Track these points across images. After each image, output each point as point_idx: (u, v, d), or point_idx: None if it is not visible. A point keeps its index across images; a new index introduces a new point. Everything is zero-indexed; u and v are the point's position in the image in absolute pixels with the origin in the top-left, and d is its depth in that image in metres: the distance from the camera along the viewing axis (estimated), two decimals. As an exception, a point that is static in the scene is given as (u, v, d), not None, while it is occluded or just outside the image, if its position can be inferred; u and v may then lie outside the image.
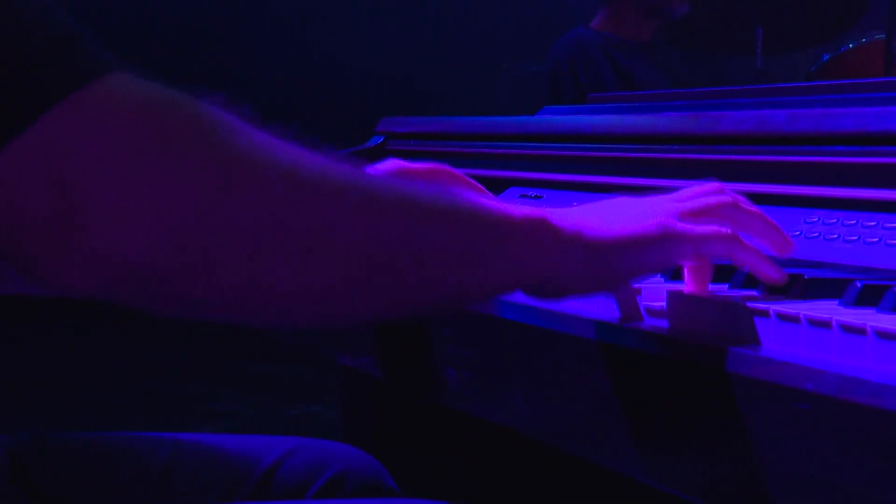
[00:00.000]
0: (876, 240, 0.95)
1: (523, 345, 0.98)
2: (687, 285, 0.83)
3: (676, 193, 0.82)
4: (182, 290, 0.60)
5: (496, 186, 1.36)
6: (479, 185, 1.19)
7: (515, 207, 0.74)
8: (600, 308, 0.88)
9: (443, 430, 1.61)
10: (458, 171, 1.18)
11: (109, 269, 0.57)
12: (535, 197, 1.44)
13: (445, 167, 1.18)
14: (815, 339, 0.73)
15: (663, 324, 0.82)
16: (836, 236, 0.98)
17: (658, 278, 0.94)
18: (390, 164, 1.15)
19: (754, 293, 0.85)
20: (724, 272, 0.90)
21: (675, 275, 0.94)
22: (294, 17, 3.14)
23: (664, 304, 0.83)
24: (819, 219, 1.02)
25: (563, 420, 0.95)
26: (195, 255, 0.58)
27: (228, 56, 3.04)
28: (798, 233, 1.01)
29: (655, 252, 0.76)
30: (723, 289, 0.88)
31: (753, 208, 0.83)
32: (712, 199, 0.81)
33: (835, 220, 1.00)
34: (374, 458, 1.15)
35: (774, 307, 0.76)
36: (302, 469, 1.09)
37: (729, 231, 0.78)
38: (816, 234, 1.00)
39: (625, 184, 1.33)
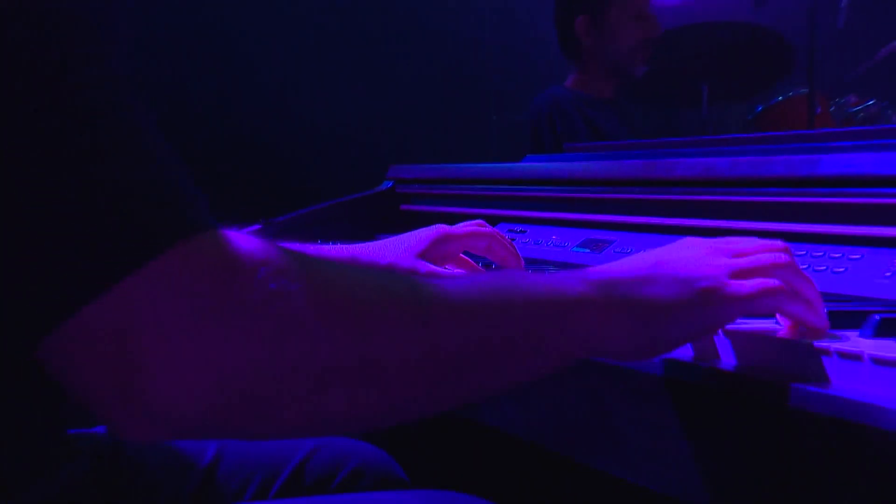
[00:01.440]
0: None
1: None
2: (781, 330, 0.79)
3: (736, 244, 0.80)
4: (237, 435, 0.61)
5: (488, 223, 1.35)
6: (506, 240, 1.23)
7: (568, 282, 0.71)
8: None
9: (451, 427, 1.64)
10: (491, 230, 1.21)
11: (170, 425, 0.57)
12: (521, 231, 1.53)
13: (480, 227, 1.21)
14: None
15: (731, 361, 0.80)
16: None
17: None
18: (435, 231, 1.20)
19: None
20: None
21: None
22: (312, 79, 3.17)
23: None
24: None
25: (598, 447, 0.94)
26: (249, 414, 0.58)
27: (255, 113, 3.05)
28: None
29: (702, 319, 0.74)
30: None
31: (806, 276, 0.80)
32: (768, 259, 0.78)
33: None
34: (386, 453, 1.20)
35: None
36: (326, 464, 1.14)
37: (776, 285, 0.75)
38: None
39: (595, 220, 1.43)
